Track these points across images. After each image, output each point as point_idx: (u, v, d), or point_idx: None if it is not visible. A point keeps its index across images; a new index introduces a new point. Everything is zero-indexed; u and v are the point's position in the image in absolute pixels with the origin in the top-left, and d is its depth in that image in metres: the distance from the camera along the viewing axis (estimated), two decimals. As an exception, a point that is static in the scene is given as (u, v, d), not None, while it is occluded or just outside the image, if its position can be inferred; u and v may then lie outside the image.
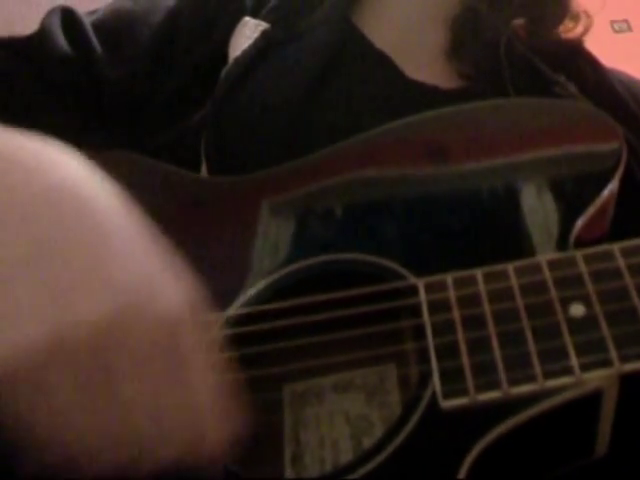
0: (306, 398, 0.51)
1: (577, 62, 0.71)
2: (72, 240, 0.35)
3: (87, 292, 0.34)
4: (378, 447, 0.42)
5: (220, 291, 0.52)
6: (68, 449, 0.35)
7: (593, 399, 0.43)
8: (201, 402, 0.38)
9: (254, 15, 0.73)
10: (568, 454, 0.47)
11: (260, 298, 0.52)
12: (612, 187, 0.51)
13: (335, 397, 0.51)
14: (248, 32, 0.71)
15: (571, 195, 0.51)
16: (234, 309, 0.51)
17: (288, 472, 0.49)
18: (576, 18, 0.73)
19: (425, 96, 0.67)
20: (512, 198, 0.52)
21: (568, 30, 0.73)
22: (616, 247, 0.46)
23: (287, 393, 0.52)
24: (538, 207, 0.51)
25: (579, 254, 0.46)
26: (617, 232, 0.51)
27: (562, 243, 0.49)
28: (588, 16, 0.73)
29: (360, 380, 0.52)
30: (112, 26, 0.73)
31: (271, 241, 0.55)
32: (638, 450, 0.51)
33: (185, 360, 0.37)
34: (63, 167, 0.38)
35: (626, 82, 0.73)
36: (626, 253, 0.45)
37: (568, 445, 0.46)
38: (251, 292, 0.52)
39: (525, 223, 0.51)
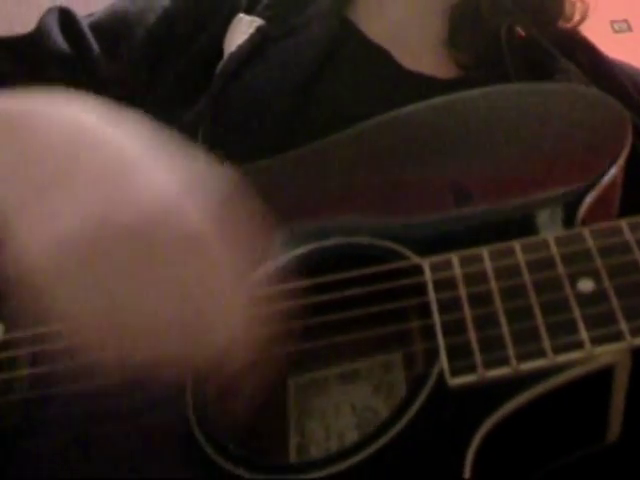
0: (311, 389, 0.51)
1: (575, 51, 0.71)
2: (91, 160, 0.41)
3: (111, 197, 0.39)
4: (385, 426, 0.42)
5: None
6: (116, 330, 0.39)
7: (604, 375, 0.42)
8: (222, 303, 0.41)
9: (249, 12, 0.73)
10: (580, 436, 0.46)
11: (265, 281, 0.51)
12: (618, 167, 0.51)
13: (341, 388, 0.51)
14: (243, 28, 0.71)
15: (577, 175, 0.51)
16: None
17: (293, 462, 0.48)
18: (573, 8, 0.73)
19: (422, 86, 0.67)
20: (518, 179, 0.52)
21: (565, 20, 0.73)
22: (624, 222, 0.45)
23: (292, 384, 0.51)
24: (544, 187, 0.51)
25: (586, 230, 0.46)
26: (625, 214, 0.50)
27: (569, 223, 0.48)
28: (583, 4, 0.73)
29: (366, 370, 0.51)
30: (109, 26, 0.73)
31: (275, 230, 0.54)
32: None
33: (204, 263, 0.40)
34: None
35: (626, 70, 0.73)
36: (635, 228, 0.45)
37: (580, 426, 0.45)
38: (257, 276, 0.51)
39: (531, 203, 0.50)
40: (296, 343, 0.47)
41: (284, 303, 0.46)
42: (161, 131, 0.44)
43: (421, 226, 0.51)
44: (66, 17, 0.72)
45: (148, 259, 0.39)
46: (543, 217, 0.50)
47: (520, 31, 0.71)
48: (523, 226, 0.49)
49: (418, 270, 0.47)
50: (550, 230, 0.48)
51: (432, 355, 0.43)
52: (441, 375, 0.42)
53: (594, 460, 0.47)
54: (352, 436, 0.48)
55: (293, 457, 0.48)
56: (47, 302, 0.39)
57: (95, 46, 0.71)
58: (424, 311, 0.45)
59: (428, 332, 0.44)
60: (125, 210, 0.39)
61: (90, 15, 0.75)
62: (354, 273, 0.48)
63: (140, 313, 0.39)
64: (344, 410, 0.50)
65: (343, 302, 0.47)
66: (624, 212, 0.52)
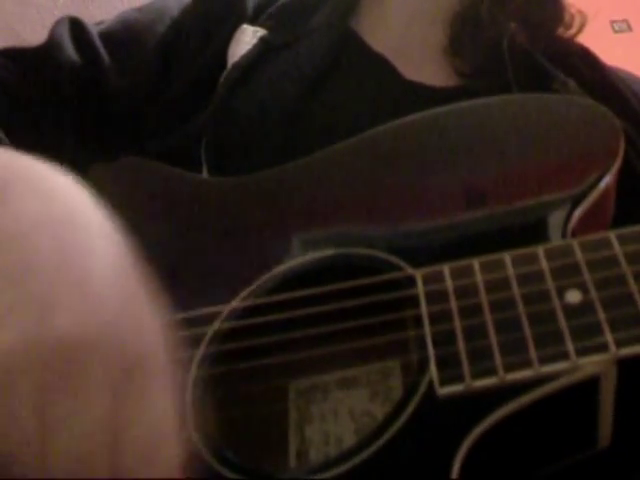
0: (311, 394, 0.52)
1: (574, 60, 0.72)
2: (62, 261, 0.34)
3: (65, 306, 0.33)
4: (375, 434, 0.43)
5: (225, 283, 0.53)
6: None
7: (590, 385, 0.43)
8: (159, 422, 0.36)
9: (253, 22, 0.74)
10: (569, 444, 0.47)
11: (262, 292, 0.52)
12: (610, 179, 0.51)
13: (340, 393, 0.52)
14: (247, 38, 0.72)
15: (569, 187, 0.51)
16: (237, 301, 0.51)
17: (293, 467, 0.49)
18: (572, 17, 0.74)
19: (423, 96, 0.68)
20: (509, 190, 0.53)
21: (565, 28, 0.74)
22: (613, 235, 0.46)
23: (292, 389, 0.52)
24: (536, 198, 0.52)
25: (576, 242, 0.46)
26: (618, 225, 0.51)
27: (560, 235, 0.49)
28: (582, 15, 0.73)
29: (364, 376, 0.52)
30: (119, 36, 0.75)
31: (272, 239, 0.56)
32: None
33: (150, 385, 0.36)
34: (51, 180, 0.37)
35: (626, 79, 0.74)
36: (623, 240, 0.46)
37: (569, 434, 0.46)
38: (253, 287, 0.52)
39: (523, 216, 0.51)
40: (293, 351, 0.48)
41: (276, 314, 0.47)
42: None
43: (416, 236, 0.52)
44: (77, 28, 0.74)
45: (86, 381, 0.33)
46: (534, 227, 0.50)
47: (521, 42, 0.72)
48: (516, 236, 0.50)
49: (411, 282, 0.48)
50: (540, 240, 0.49)
51: (424, 364, 0.44)
52: (431, 384, 0.43)
53: (586, 465, 0.47)
54: (351, 441, 0.48)
55: (293, 462, 0.49)
56: None
57: (106, 56, 0.73)
58: (419, 321, 0.46)
59: (421, 342, 0.45)
60: (75, 323, 0.33)
61: (99, 23, 0.77)
62: (349, 284, 0.49)
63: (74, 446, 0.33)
64: (343, 415, 0.51)
65: (340, 312, 0.48)
66: (617, 222, 0.53)
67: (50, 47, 0.72)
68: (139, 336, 0.35)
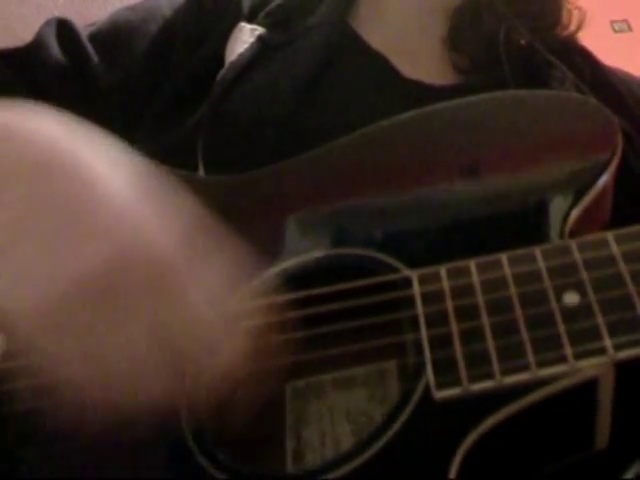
0: (308, 394, 0.51)
1: (572, 57, 0.71)
2: (66, 193, 0.40)
3: (86, 240, 0.39)
4: (372, 438, 0.42)
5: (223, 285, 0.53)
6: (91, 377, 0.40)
7: (588, 388, 0.42)
8: (198, 336, 0.42)
9: (250, 20, 0.74)
10: (567, 446, 0.46)
11: (258, 294, 0.51)
12: (607, 178, 0.51)
13: (336, 394, 0.51)
14: (244, 37, 0.72)
15: (566, 186, 0.51)
16: (234, 302, 0.51)
17: (290, 468, 0.49)
18: (570, 15, 0.74)
19: (420, 94, 0.68)
20: (506, 189, 0.52)
21: (563, 27, 0.74)
22: (610, 234, 0.46)
23: (289, 389, 0.52)
24: (533, 198, 0.51)
25: (573, 242, 0.46)
26: (616, 223, 0.51)
27: (557, 235, 0.49)
28: (581, 12, 0.73)
29: (361, 377, 0.52)
30: (109, 35, 0.74)
31: (269, 239, 0.55)
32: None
33: (178, 298, 0.41)
34: (47, 126, 0.43)
35: (623, 78, 0.74)
36: (620, 240, 0.45)
37: (567, 436, 0.46)
38: (249, 289, 0.52)
39: (520, 215, 0.51)
40: (291, 353, 0.48)
41: (272, 315, 0.47)
42: (135, 158, 0.44)
43: (413, 237, 0.52)
44: (64, 28, 0.73)
45: (123, 304, 0.39)
46: (531, 227, 0.50)
47: (518, 38, 0.72)
48: (513, 236, 0.50)
49: (408, 282, 0.47)
50: (537, 240, 0.48)
51: (420, 367, 0.44)
52: (428, 387, 0.43)
53: (584, 466, 0.47)
54: (347, 442, 0.48)
55: (289, 462, 0.49)
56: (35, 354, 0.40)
57: (94, 56, 0.72)
58: (416, 322, 0.46)
59: (418, 344, 0.45)
60: (95, 257, 0.39)
61: (91, 25, 0.76)
62: (346, 286, 0.48)
63: (124, 359, 0.40)
64: (339, 416, 0.50)
65: (337, 313, 0.48)
66: (615, 221, 0.52)
67: (34, 47, 0.72)
68: (157, 246, 0.40)
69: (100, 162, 0.42)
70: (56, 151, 0.41)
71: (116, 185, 0.41)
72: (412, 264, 0.49)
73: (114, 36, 0.74)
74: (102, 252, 0.39)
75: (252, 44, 0.70)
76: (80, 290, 0.39)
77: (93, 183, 0.41)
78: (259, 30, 0.72)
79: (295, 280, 0.51)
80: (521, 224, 0.51)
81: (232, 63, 0.69)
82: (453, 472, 0.40)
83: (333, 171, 0.58)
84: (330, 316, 0.48)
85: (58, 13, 1.45)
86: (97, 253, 0.39)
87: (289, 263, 0.52)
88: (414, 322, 0.46)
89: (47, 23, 0.73)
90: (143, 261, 0.40)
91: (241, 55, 0.70)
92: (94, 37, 0.73)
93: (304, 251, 0.53)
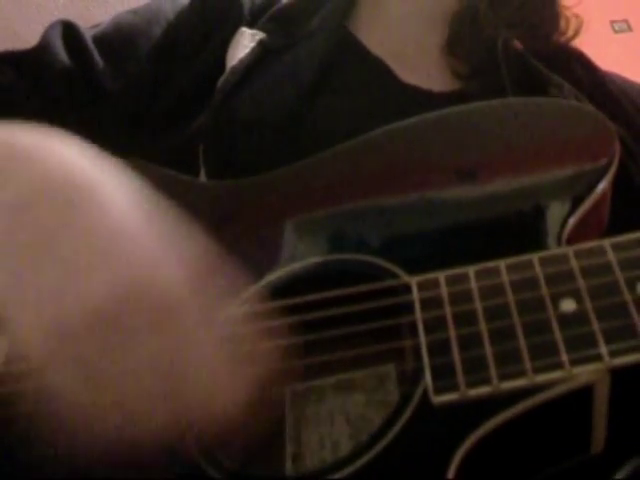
0: (307, 398, 0.52)
1: (570, 64, 0.72)
2: (74, 222, 0.40)
3: (92, 269, 0.39)
4: (370, 442, 0.43)
5: (221, 289, 0.53)
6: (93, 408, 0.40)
7: (584, 394, 0.43)
8: (201, 368, 0.41)
9: (251, 25, 0.74)
10: (563, 451, 0.47)
11: (258, 299, 0.52)
12: (605, 185, 0.51)
13: (336, 397, 0.52)
14: (245, 42, 0.72)
15: (564, 193, 0.52)
16: (235, 307, 0.52)
17: (289, 471, 0.49)
18: (567, 22, 0.74)
19: (419, 100, 0.69)
20: (504, 197, 0.53)
21: (560, 34, 0.74)
22: (607, 242, 0.46)
23: (289, 392, 0.52)
24: (531, 206, 0.52)
25: (570, 250, 0.46)
26: (614, 231, 0.51)
27: (555, 242, 0.49)
28: (579, 19, 0.74)
29: (360, 381, 0.52)
30: (113, 39, 0.75)
31: (270, 244, 0.56)
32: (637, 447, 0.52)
33: (182, 328, 0.41)
34: (66, 154, 0.43)
35: (620, 84, 0.74)
36: (617, 248, 0.46)
37: (562, 442, 0.47)
38: (248, 293, 0.52)
39: (518, 222, 0.51)
40: (291, 358, 0.49)
41: (273, 320, 0.47)
42: (144, 186, 0.43)
43: (413, 243, 0.53)
44: (69, 31, 0.73)
45: (129, 338, 0.39)
46: (529, 234, 0.51)
47: (516, 44, 0.72)
48: (511, 243, 0.50)
49: (407, 289, 0.48)
50: (535, 247, 0.49)
51: (419, 372, 0.44)
52: (426, 392, 0.43)
53: (580, 470, 0.48)
54: (346, 445, 0.49)
55: (289, 466, 0.49)
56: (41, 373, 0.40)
57: (99, 60, 0.72)
58: (415, 328, 0.47)
59: (417, 349, 0.46)
60: (106, 287, 0.39)
61: (95, 27, 0.76)
62: (345, 291, 0.49)
63: (128, 392, 0.40)
64: (339, 420, 0.51)
65: (337, 318, 0.48)
66: (613, 228, 0.53)
67: (41, 50, 0.72)
68: (164, 282, 0.40)
69: (116, 192, 0.42)
70: (76, 177, 0.42)
71: (131, 216, 0.42)
72: (411, 270, 0.49)
73: (118, 40, 0.74)
74: (114, 283, 0.39)
75: (253, 49, 0.71)
76: (87, 318, 0.39)
77: (109, 213, 0.41)
78: (260, 35, 0.72)
79: (295, 285, 0.52)
80: (519, 231, 0.51)
81: (233, 68, 0.70)
82: (451, 476, 0.40)
83: (333, 176, 0.59)
84: (330, 321, 0.48)
85: (58, 13, 1.45)
86: (109, 283, 0.39)
87: (289, 268, 0.53)
88: (413, 327, 0.47)
89: (52, 26, 0.73)
90: (153, 295, 0.40)
91: (242, 60, 0.70)
92: (98, 40, 0.73)
93: (305, 256, 0.53)
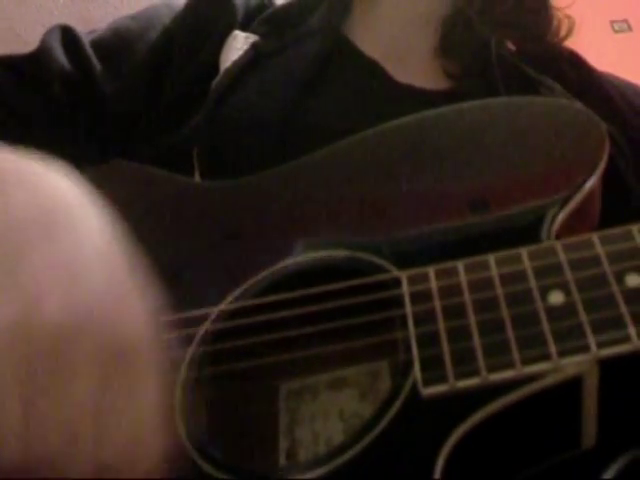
0: (301, 395, 0.52)
1: (561, 64, 0.72)
2: (42, 246, 0.35)
3: (53, 293, 0.34)
4: (360, 434, 0.43)
5: (216, 286, 0.54)
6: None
7: (573, 385, 0.43)
8: (144, 414, 0.36)
9: (245, 28, 0.75)
10: (554, 444, 0.47)
11: (251, 295, 0.53)
12: (594, 182, 0.52)
13: (330, 394, 0.52)
14: (238, 45, 0.73)
15: (553, 189, 0.52)
16: (227, 303, 0.52)
17: (284, 466, 0.49)
18: (560, 23, 0.75)
19: (413, 99, 0.69)
20: (495, 194, 0.53)
21: (552, 35, 0.75)
22: (595, 235, 0.46)
23: (283, 389, 0.52)
24: (521, 202, 0.52)
25: (559, 243, 0.47)
26: (605, 227, 0.52)
27: (545, 238, 0.49)
28: (570, 20, 0.74)
29: (354, 377, 0.52)
30: (110, 43, 0.76)
31: (263, 242, 0.56)
32: (629, 441, 0.52)
33: (137, 374, 0.36)
34: (44, 179, 0.38)
35: (616, 84, 0.74)
36: (605, 241, 0.46)
37: (552, 436, 0.47)
38: (243, 289, 0.53)
39: (509, 217, 0.52)
40: (284, 352, 0.49)
41: (265, 315, 0.47)
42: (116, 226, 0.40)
43: (404, 240, 0.53)
44: (68, 35, 0.74)
45: (71, 372, 0.34)
46: (519, 230, 0.51)
47: (509, 45, 0.72)
48: (500, 240, 0.50)
49: (397, 283, 0.48)
50: (525, 243, 0.49)
51: (409, 365, 0.45)
52: (415, 385, 0.43)
53: (572, 464, 0.48)
54: (340, 442, 0.49)
55: (282, 462, 0.49)
56: None
57: (97, 64, 0.73)
58: (406, 322, 0.47)
59: (408, 343, 0.46)
60: (62, 311, 0.34)
61: (92, 32, 0.77)
62: (337, 286, 0.49)
63: (58, 429, 0.34)
64: (332, 416, 0.51)
65: (329, 313, 0.49)
66: (603, 224, 0.53)
67: (40, 54, 0.73)
68: (127, 323, 0.36)
69: (92, 221, 0.38)
70: (55, 202, 0.37)
71: (104, 248, 0.37)
72: (402, 266, 0.50)
73: (115, 44, 0.75)
74: (66, 308, 0.34)
75: (246, 51, 0.71)
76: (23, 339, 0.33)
77: (82, 239, 0.36)
78: (253, 38, 0.73)
79: (287, 281, 0.52)
80: (510, 227, 0.51)
81: (226, 70, 0.71)
82: (438, 470, 0.40)
83: (326, 175, 0.59)
84: (322, 316, 0.48)
85: (58, 13, 1.46)
86: (60, 307, 0.34)
87: (282, 265, 0.53)
88: (404, 322, 0.47)
89: (51, 30, 0.74)
90: (114, 330, 0.35)
91: (235, 62, 0.71)
92: (96, 44, 0.74)
93: (298, 253, 0.54)
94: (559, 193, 0.51)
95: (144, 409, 0.36)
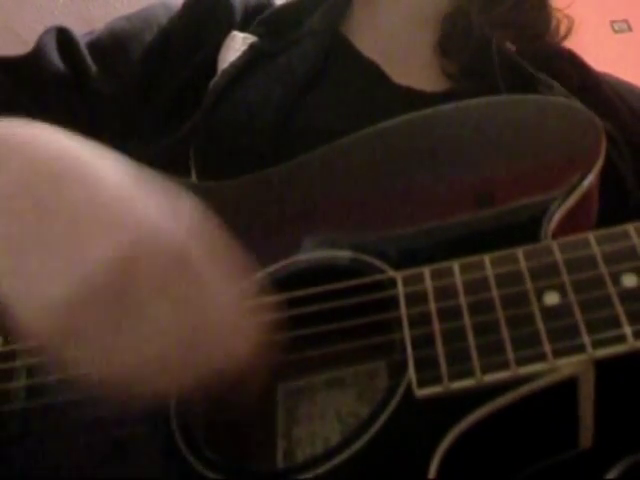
0: (299, 395, 0.52)
1: (560, 63, 0.72)
2: (71, 197, 0.41)
3: (94, 239, 0.39)
4: (355, 435, 0.43)
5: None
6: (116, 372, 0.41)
7: (568, 386, 0.43)
8: (219, 316, 0.42)
9: (243, 29, 0.75)
10: (551, 445, 0.47)
11: (245, 297, 0.52)
12: (591, 180, 0.52)
13: (327, 394, 0.52)
14: (236, 45, 0.73)
15: (550, 188, 0.52)
16: None
17: (280, 467, 0.49)
18: (558, 23, 0.74)
19: (411, 100, 0.69)
20: (491, 192, 0.53)
21: (551, 35, 0.75)
22: (591, 235, 0.46)
23: (281, 389, 0.52)
24: (517, 201, 0.52)
25: (555, 243, 0.47)
26: (603, 225, 0.51)
27: (541, 237, 0.49)
28: (569, 19, 0.74)
29: (351, 378, 0.52)
30: (106, 44, 0.75)
31: (259, 242, 0.56)
32: (627, 441, 0.52)
33: (196, 280, 0.41)
34: (54, 138, 0.44)
35: (614, 84, 0.74)
36: (601, 241, 0.46)
37: (550, 435, 0.47)
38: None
39: (504, 218, 0.52)
40: (281, 354, 0.49)
41: (272, 314, 0.48)
42: (138, 167, 0.44)
43: (400, 240, 0.53)
44: (64, 36, 0.74)
45: (142, 292, 0.40)
46: (515, 230, 0.51)
47: (509, 45, 0.72)
48: (496, 239, 0.50)
49: (393, 284, 0.48)
50: (521, 242, 0.49)
51: (403, 366, 0.45)
52: (410, 385, 0.43)
53: (570, 465, 0.48)
54: (337, 442, 0.48)
55: (280, 461, 0.49)
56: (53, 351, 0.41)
57: (92, 65, 0.73)
58: (399, 323, 0.47)
59: (403, 344, 0.46)
60: (103, 254, 0.39)
61: (89, 33, 0.77)
62: (332, 286, 0.49)
63: (144, 347, 0.40)
64: (329, 416, 0.51)
65: (325, 314, 0.48)
66: (601, 223, 0.53)
67: (35, 55, 0.73)
68: (171, 234, 0.41)
69: (108, 166, 0.43)
70: (66, 155, 0.43)
71: (124, 184, 0.43)
72: (398, 266, 0.49)
73: (111, 45, 0.75)
74: (117, 247, 0.39)
75: (244, 52, 0.71)
76: (89, 289, 0.39)
77: (102, 183, 0.42)
78: (251, 38, 0.73)
79: (283, 282, 0.52)
80: (507, 226, 0.51)
81: (224, 71, 0.70)
82: (432, 471, 0.40)
83: (323, 175, 0.59)
84: (318, 317, 0.48)
85: (58, 13, 1.46)
86: (112, 249, 0.39)
87: (277, 266, 0.53)
88: (400, 322, 0.47)
89: (47, 32, 0.74)
90: (154, 250, 0.40)
91: (233, 63, 0.71)
92: (92, 46, 0.74)
93: (292, 254, 0.54)
94: (556, 191, 0.51)
95: (222, 300, 0.42)
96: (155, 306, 0.40)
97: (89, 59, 0.73)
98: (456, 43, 0.72)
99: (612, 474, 0.50)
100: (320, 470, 0.42)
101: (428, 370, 0.43)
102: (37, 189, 0.41)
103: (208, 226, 0.43)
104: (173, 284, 0.40)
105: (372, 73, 0.72)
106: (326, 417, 0.51)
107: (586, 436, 0.46)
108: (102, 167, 0.43)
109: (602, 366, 0.43)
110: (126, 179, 0.43)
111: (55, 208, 0.41)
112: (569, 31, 0.74)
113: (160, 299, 0.40)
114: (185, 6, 0.77)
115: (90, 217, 0.40)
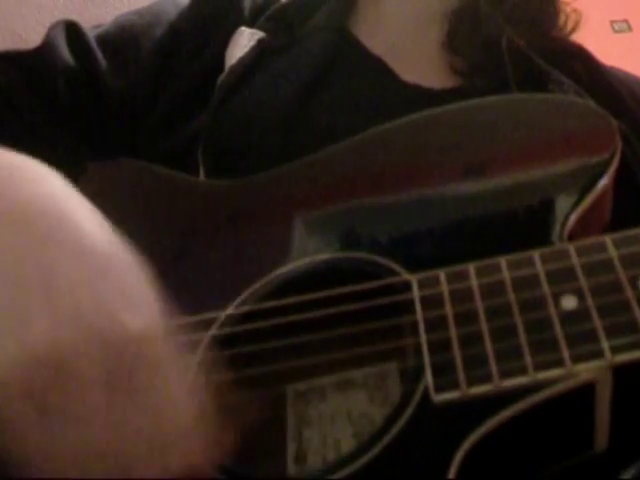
0: (309, 396, 0.52)
1: (569, 60, 0.72)
2: (34, 262, 0.36)
3: (48, 316, 0.34)
4: (372, 441, 0.43)
5: (222, 290, 0.53)
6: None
7: (586, 391, 0.43)
8: (167, 422, 0.37)
9: (251, 25, 0.74)
10: (566, 449, 0.47)
11: (259, 298, 0.52)
12: (606, 181, 0.51)
13: (338, 396, 0.52)
14: (244, 41, 0.72)
15: (565, 189, 0.51)
16: (235, 307, 0.51)
17: (291, 470, 0.49)
18: (567, 17, 0.74)
19: (419, 97, 0.68)
20: (506, 194, 0.53)
21: (559, 30, 0.74)
22: (608, 238, 0.46)
23: (291, 391, 0.52)
24: (532, 202, 0.52)
25: (571, 246, 0.46)
26: (617, 227, 0.51)
27: (557, 239, 0.49)
28: (577, 13, 0.74)
29: (362, 379, 0.52)
30: (116, 39, 0.75)
31: (271, 242, 0.56)
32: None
33: (151, 380, 0.36)
34: (38, 181, 0.39)
35: (623, 79, 0.74)
36: (618, 244, 0.45)
37: (565, 440, 0.46)
38: (251, 292, 0.52)
39: (519, 219, 0.51)
40: (292, 357, 0.48)
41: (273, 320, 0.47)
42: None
43: (414, 241, 0.52)
44: (73, 31, 0.74)
45: (82, 381, 0.35)
46: (530, 231, 0.50)
47: (518, 41, 0.72)
48: (512, 241, 0.50)
49: (407, 287, 0.48)
50: (536, 244, 0.48)
51: (420, 370, 0.44)
52: (427, 391, 0.43)
53: (583, 469, 0.47)
54: (348, 444, 0.49)
55: (291, 465, 0.49)
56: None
57: (102, 60, 0.73)
58: (416, 326, 0.46)
59: (418, 348, 0.45)
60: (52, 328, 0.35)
61: (97, 27, 0.77)
62: (345, 289, 0.49)
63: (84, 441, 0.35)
64: (341, 418, 0.51)
65: (338, 316, 0.48)
66: (615, 224, 0.52)
67: (45, 50, 0.72)
68: (127, 327, 0.36)
69: (87, 223, 0.39)
70: (47, 209, 0.38)
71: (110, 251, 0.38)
72: (413, 267, 0.49)
73: (121, 40, 0.74)
74: (72, 325, 0.35)
75: (252, 48, 0.71)
76: (40, 364, 0.34)
77: (81, 242, 0.37)
78: (259, 34, 0.72)
79: (296, 284, 0.52)
80: (522, 227, 0.51)
81: (232, 67, 0.70)
82: (452, 475, 0.40)
83: (334, 175, 0.59)
84: (331, 319, 0.48)
85: (58, 13, 1.45)
86: (65, 325, 0.35)
87: (290, 267, 0.53)
88: (414, 325, 0.46)
89: (55, 26, 0.73)
90: (116, 339, 0.35)
91: (241, 59, 0.70)
92: (101, 40, 0.74)
93: (305, 255, 0.53)
94: (572, 193, 0.50)
95: (166, 404, 0.37)
96: (93, 399, 0.35)
97: (99, 53, 0.72)
98: (464, 39, 0.71)
99: (627, 475, 0.49)
100: (337, 476, 0.42)
101: (445, 375, 0.42)
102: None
103: (166, 324, 0.39)
104: (121, 378, 0.36)
105: (379, 70, 0.71)
106: (337, 419, 0.51)
107: (601, 439, 0.46)
108: (82, 221, 0.38)
109: (619, 369, 0.43)
110: (108, 249, 0.38)
111: (17, 264, 0.36)
112: (576, 25, 0.73)
113: (99, 392, 0.35)
114: (194, 2, 0.77)
115: (50, 288, 0.35)
